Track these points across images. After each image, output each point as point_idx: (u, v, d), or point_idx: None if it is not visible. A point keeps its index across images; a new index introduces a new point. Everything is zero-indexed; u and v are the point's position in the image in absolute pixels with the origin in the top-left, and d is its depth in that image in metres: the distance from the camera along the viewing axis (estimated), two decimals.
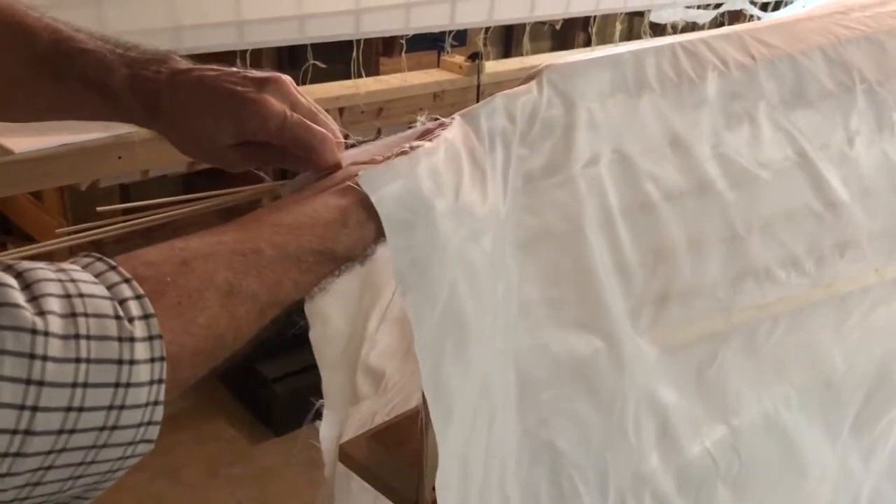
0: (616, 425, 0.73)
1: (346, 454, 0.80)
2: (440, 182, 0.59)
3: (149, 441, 0.44)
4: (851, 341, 0.89)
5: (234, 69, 0.64)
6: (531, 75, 0.71)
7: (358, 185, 0.57)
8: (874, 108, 0.91)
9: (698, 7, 2.40)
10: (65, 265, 0.43)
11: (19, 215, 2.28)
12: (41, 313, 0.39)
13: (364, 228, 0.57)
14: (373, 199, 0.55)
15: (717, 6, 2.43)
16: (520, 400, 0.68)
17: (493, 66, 2.12)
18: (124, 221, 0.71)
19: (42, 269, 0.41)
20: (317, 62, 1.80)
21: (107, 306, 0.42)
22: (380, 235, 0.58)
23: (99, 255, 0.45)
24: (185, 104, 0.63)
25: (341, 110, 1.85)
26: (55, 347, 0.39)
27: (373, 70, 2.17)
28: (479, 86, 1.97)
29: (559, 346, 0.70)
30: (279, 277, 0.52)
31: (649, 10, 2.34)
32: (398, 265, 0.56)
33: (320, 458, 0.88)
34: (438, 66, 2.08)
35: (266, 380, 2.24)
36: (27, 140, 1.57)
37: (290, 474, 2.08)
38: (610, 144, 0.74)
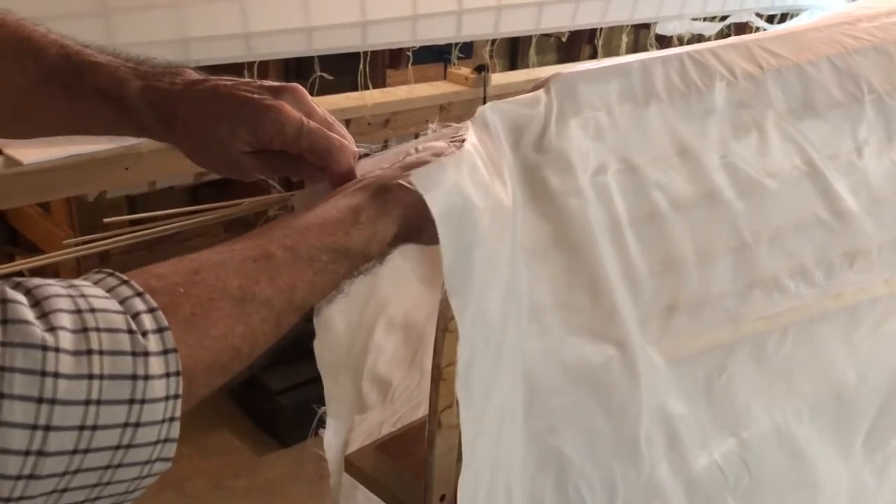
0: (627, 436, 0.72)
1: (352, 465, 0.79)
2: (477, 181, 0.59)
3: (166, 459, 0.43)
4: (862, 353, 0.89)
5: (249, 80, 0.64)
6: (539, 84, 0.71)
7: (410, 184, 0.56)
8: (883, 119, 0.91)
9: (704, 19, 2.40)
10: (75, 281, 0.43)
11: (26, 226, 2.29)
12: (51, 329, 0.38)
13: (377, 224, 0.56)
14: (426, 197, 0.54)
15: (724, 18, 2.43)
16: (528, 404, 0.68)
17: (500, 79, 2.13)
18: (131, 233, 0.71)
19: (52, 286, 0.40)
20: (324, 74, 1.81)
21: (119, 320, 0.41)
22: (397, 234, 0.57)
23: (110, 271, 0.44)
24: (201, 113, 0.62)
25: (348, 122, 1.86)
26: (67, 364, 0.38)
27: (379, 82, 2.18)
28: (485, 98, 1.98)
29: (570, 353, 0.69)
30: (293, 280, 0.51)
31: (655, 23, 2.35)
32: (448, 264, 0.55)
33: (326, 470, 0.87)
34: (445, 79, 2.09)
35: (271, 391, 2.23)
36: (35, 151, 1.58)
37: (296, 486, 2.07)
38: (617, 154, 0.74)
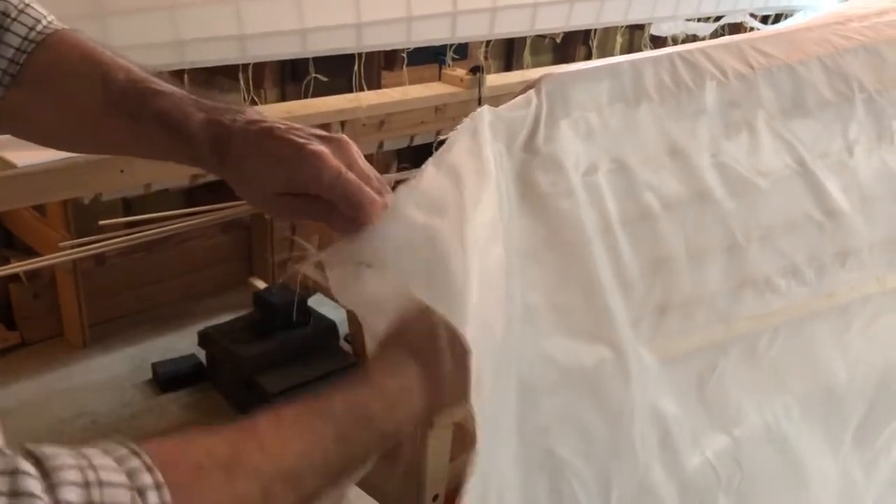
0: (622, 436, 0.72)
1: None
2: (436, 206, 0.60)
3: None
4: (852, 351, 0.89)
5: (301, 126, 0.66)
6: (530, 85, 0.72)
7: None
8: (873, 118, 0.91)
9: (698, 20, 2.41)
10: (88, 450, 0.44)
11: (22, 229, 2.28)
12: (57, 503, 0.39)
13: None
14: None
15: (718, 19, 2.44)
16: (521, 406, 0.68)
17: (494, 80, 2.13)
18: (127, 235, 0.71)
19: (62, 455, 0.41)
20: (319, 76, 1.81)
21: (124, 495, 0.41)
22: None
23: (122, 440, 0.45)
24: (250, 151, 0.65)
25: (343, 124, 1.86)
26: None
27: (374, 83, 2.19)
28: (480, 99, 1.98)
29: (565, 355, 0.70)
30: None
31: (650, 23, 2.35)
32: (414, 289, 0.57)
33: None
34: (440, 80, 2.09)
35: (268, 394, 2.23)
36: (30, 154, 1.58)
37: None
38: (608, 154, 0.74)
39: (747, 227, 0.81)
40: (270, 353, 2.26)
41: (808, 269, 0.86)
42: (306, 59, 1.79)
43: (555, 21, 2.08)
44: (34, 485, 0.39)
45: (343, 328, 2.47)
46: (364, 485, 0.78)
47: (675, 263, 0.77)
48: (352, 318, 2.39)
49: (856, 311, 0.90)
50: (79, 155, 1.62)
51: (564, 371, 0.70)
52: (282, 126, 0.64)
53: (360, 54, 1.84)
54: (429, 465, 0.70)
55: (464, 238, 0.59)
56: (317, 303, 2.48)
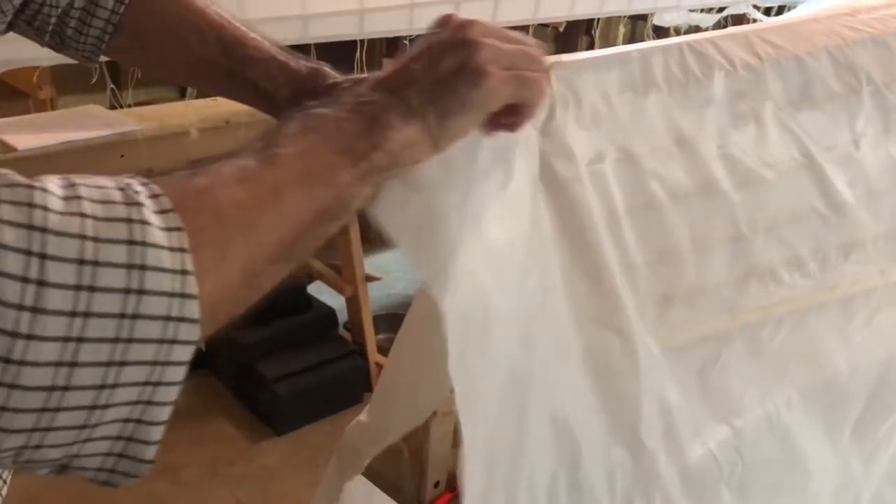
0: (627, 424, 0.72)
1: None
2: (439, 183, 0.58)
3: (191, 320, 0.39)
4: (854, 344, 0.89)
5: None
6: None
7: None
8: (881, 110, 0.91)
9: (702, 10, 2.40)
10: None
11: None
12: (39, 182, 0.39)
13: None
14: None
15: (721, 10, 2.43)
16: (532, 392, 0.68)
17: None
18: None
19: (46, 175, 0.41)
20: (320, 63, 1.80)
21: (108, 182, 0.41)
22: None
23: None
24: None
25: None
26: (56, 203, 0.38)
27: (377, 71, 2.17)
28: None
29: (576, 341, 0.70)
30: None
31: (653, 14, 2.35)
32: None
33: (321, 458, 0.87)
34: None
35: (266, 380, 2.23)
36: (30, 137, 1.57)
37: (291, 474, 2.07)
38: (615, 143, 0.74)
39: (753, 219, 0.81)
40: (270, 340, 2.26)
41: (812, 261, 0.86)
42: (308, 46, 1.78)
43: (558, 10, 2.08)
44: (19, 178, 0.39)
45: (342, 316, 2.47)
46: (366, 470, 0.78)
47: (681, 254, 0.77)
48: (351, 305, 2.39)
49: (859, 304, 0.90)
50: (79, 139, 1.62)
51: (576, 357, 0.70)
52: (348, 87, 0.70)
53: (362, 41, 1.84)
54: (431, 452, 0.70)
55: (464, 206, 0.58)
56: (316, 290, 2.48)
